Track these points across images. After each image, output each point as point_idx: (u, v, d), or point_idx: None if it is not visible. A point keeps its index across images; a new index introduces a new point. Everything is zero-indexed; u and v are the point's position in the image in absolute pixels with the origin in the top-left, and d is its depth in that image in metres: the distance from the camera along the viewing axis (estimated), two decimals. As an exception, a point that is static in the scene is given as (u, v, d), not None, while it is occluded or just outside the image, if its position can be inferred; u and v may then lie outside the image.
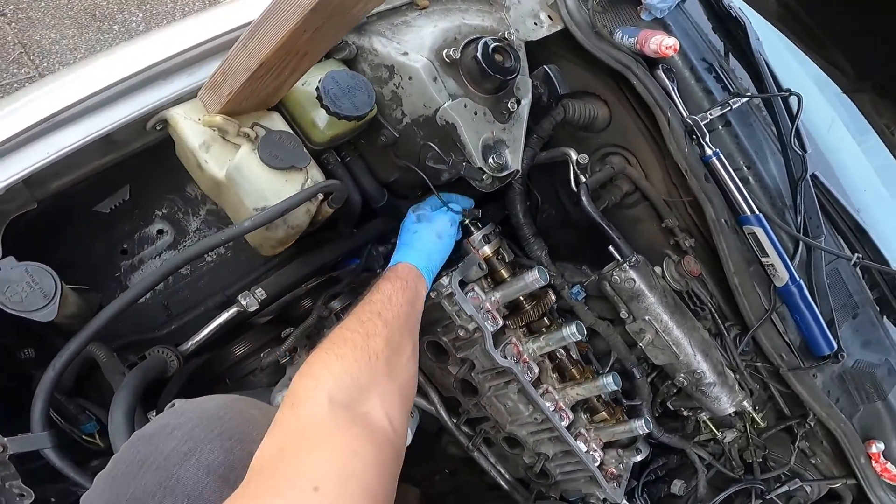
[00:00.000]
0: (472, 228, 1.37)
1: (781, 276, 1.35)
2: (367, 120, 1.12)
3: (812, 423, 1.61)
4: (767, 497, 1.72)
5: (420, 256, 1.17)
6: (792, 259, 1.36)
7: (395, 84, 1.12)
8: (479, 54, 1.11)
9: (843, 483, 1.73)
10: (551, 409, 1.39)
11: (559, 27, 1.29)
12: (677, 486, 1.77)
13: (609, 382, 1.37)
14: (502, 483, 1.56)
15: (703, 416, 1.59)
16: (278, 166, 1.01)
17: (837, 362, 1.46)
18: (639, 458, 1.55)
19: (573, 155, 1.37)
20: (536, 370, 1.39)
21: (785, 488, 1.72)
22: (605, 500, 1.52)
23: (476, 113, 1.16)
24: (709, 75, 1.32)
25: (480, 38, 1.13)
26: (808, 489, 1.80)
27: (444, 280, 1.26)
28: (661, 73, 1.29)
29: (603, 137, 1.48)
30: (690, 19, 1.35)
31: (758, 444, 1.69)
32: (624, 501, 1.51)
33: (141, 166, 1.14)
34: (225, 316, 1.25)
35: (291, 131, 1.05)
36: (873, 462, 1.62)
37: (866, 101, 1.44)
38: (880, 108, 1.42)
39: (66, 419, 1.09)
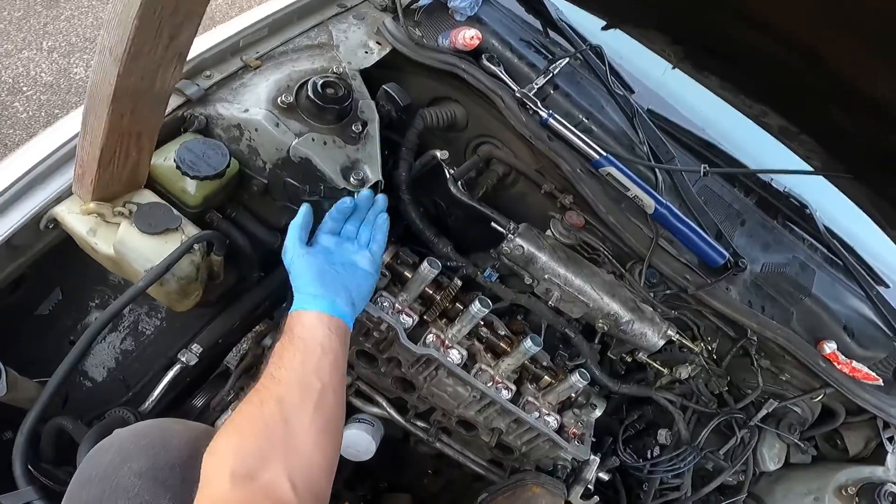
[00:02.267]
0: None
1: (649, 204, 1.46)
2: (231, 176, 1.30)
3: (754, 339, 1.68)
4: (751, 424, 1.75)
5: (302, 295, 1.11)
6: (655, 186, 1.47)
7: (247, 139, 1.30)
8: (310, 93, 1.29)
9: (824, 395, 1.75)
10: (489, 385, 1.50)
11: (388, 49, 1.47)
12: (663, 436, 1.82)
13: (529, 345, 1.45)
14: (475, 468, 1.65)
15: (642, 355, 1.67)
16: (154, 231, 1.18)
17: (741, 269, 1.54)
18: (596, 412, 1.62)
19: (438, 154, 1.52)
20: (463, 353, 1.49)
21: (764, 411, 1.75)
22: (573, 459, 1.59)
23: (325, 143, 1.33)
24: (528, 50, 1.48)
25: (309, 78, 1.31)
26: (799, 409, 1.83)
27: None
28: (485, 61, 1.45)
29: (469, 133, 1.63)
30: (502, 8, 1.52)
31: (718, 373, 1.74)
32: (592, 456, 1.56)
33: (63, 265, 1.33)
34: (171, 374, 1.40)
35: (161, 202, 1.22)
36: (835, 364, 1.64)
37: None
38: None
39: (54, 480, 1.25)
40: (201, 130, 1.30)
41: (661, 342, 1.57)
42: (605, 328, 1.55)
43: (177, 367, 1.41)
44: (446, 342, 1.50)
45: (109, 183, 1.14)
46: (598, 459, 1.58)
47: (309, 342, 1.03)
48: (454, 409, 1.54)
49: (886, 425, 1.85)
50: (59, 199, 1.18)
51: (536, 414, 1.53)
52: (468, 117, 1.60)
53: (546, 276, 1.50)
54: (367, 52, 1.48)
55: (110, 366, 1.49)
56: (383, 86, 1.46)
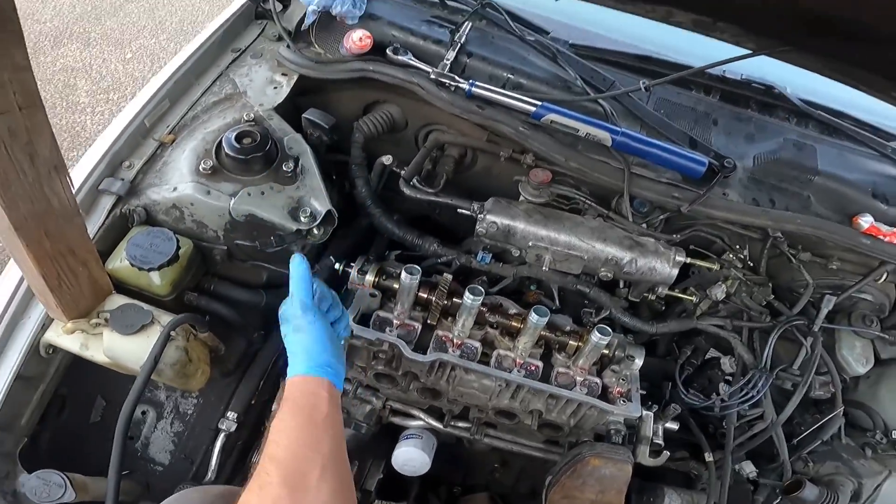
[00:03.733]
0: (348, 270, 1.50)
1: (605, 137, 1.35)
2: (189, 254, 1.34)
3: (778, 235, 1.51)
4: (813, 328, 1.55)
5: (299, 362, 1.07)
6: (606, 117, 1.36)
7: (188, 215, 1.33)
8: (227, 150, 1.31)
9: (887, 273, 1.56)
10: (513, 369, 1.44)
11: (295, 77, 1.46)
12: (726, 364, 1.67)
13: (535, 318, 1.38)
14: (533, 453, 1.60)
15: (662, 290, 1.54)
16: (133, 331, 1.24)
17: (730, 169, 1.39)
18: (636, 363, 1.51)
19: (383, 160, 1.49)
20: (476, 345, 1.46)
21: (825, 309, 1.55)
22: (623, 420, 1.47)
23: (263, 192, 1.34)
24: (431, 28, 1.41)
25: (220, 137, 1.33)
26: (870, 297, 1.64)
27: None
28: (391, 54, 1.41)
29: (412, 127, 1.59)
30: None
31: (759, 281, 1.58)
32: (645, 412, 1.46)
33: (93, 374, 1.42)
34: (219, 443, 1.48)
35: (130, 302, 1.29)
36: (881, 237, 1.46)
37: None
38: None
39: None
40: (145, 221, 1.34)
41: (675, 270, 1.45)
42: (610, 275, 1.45)
43: (222, 437, 1.48)
44: (455, 340, 1.48)
45: (75, 301, 1.21)
46: (651, 414, 1.48)
47: (313, 410, 1.00)
48: (487, 403, 1.50)
49: None
50: (45, 326, 1.26)
51: (573, 383, 1.47)
52: (405, 113, 1.55)
53: (530, 243, 1.44)
54: (275, 88, 1.47)
55: (170, 448, 1.59)
56: (303, 115, 1.45)
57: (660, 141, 1.35)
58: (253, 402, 1.56)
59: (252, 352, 1.56)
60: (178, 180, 1.31)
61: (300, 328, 1.08)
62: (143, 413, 1.62)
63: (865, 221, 1.42)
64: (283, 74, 1.49)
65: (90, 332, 1.26)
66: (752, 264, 1.58)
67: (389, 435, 1.63)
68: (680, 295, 1.54)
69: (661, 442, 1.50)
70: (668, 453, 1.48)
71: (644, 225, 1.44)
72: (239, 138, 1.32)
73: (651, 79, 1.41)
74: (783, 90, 1.59)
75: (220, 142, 1.32)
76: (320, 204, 1.36)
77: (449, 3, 1.52)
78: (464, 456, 1.76)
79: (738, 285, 1.55)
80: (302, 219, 1.34)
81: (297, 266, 1.11)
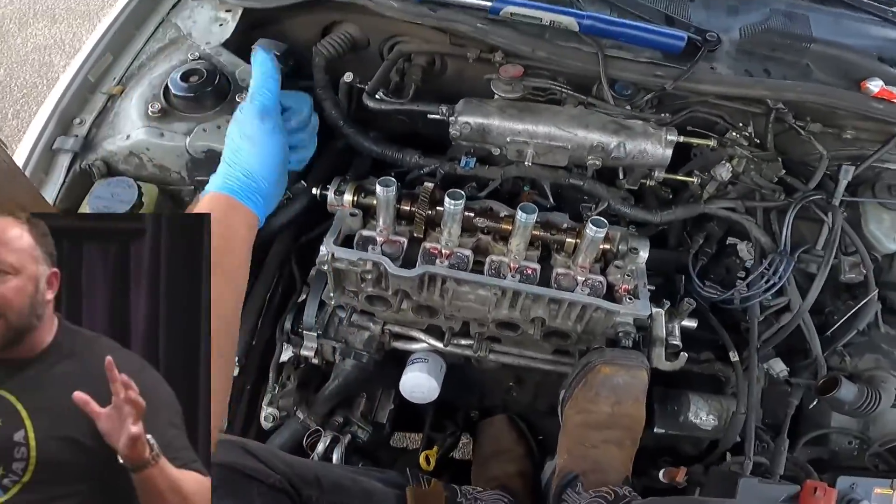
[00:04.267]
0: (324, 192, 1.43)
1: (571, 23, 1.24)
2: (156, 199, 1.32)
3: (780, 106, 1.38)
4: (833, 202, 1.41)
5: (231, 176, 1.00)
6: (573, 2, 1.25)
7: (147, 160, 1.31)
8: (174, 91, 1.27)
9: None
10: (508, 274, 1.36)
11: (240, 11, 1.40)
12: (743, 250, 1.55)
13: (521, 217, 1.29)
14: (542, 366, 1.53)
15: (659, 174, 1.42)
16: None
17: (714, 42, 1.27)
18: (641, 255, 1.40)
19: (344, 78, 1.42)
20: (466, 253, 1.38)
21: (844, 181, 1.39)
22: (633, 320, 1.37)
23: (219, 126, 1.30)
24: None
25: (167, 78, 1.29)
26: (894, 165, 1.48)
27: (322, 248, 1.34)
28: None
29: (375, 42, 1.50)
30: None
31: (768, 157, 1.43)
32: (655, 309, 1.37)
33: None
34: None
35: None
36: (894, 101, 1.32)
37: None
38: None
39: None
40: (107, 174, 1.33)
41: (668, 151, 1.33)
42: (598, 163, 1.35)
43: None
44: (443, 251, 1.40)
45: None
46: (662, 311, 1.39)
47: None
48: (487, 315, 1.43)
49: None
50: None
51: (574, 284, 1.36)
52: (364, 30, 1.47)
53: (508, 139, 1.35)
54: (221, 25, 1.43)
55: None
56: (252, 46, 1.38)
57: (630, 20, 1.23)
58: (254, 342, 1.55)
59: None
60: (130, 128, 1.29)
61: (250, 137, 1.01)
62: None
63: (875, 85, 1.30)
64: (227, 11, 1.45)
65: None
66: (758, 141, 1.44)
67: (396, 363, 1.59)
68: (680, 178, 1.43)
69: (678, 343, 1.41)
70: (687, 355, 1.39)
71: (629, 107, 1.33)
72: (185, 77, 1.28)
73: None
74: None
75: (167, 84, 1.29)
76: None
77: None
78: (476, 378, 1.71)
79: (745, 163, 1.42)
80: None
81: (262, 62, 1.05)
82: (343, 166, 1.53)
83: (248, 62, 1.36)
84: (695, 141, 1.36)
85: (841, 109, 1.31)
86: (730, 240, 1.60)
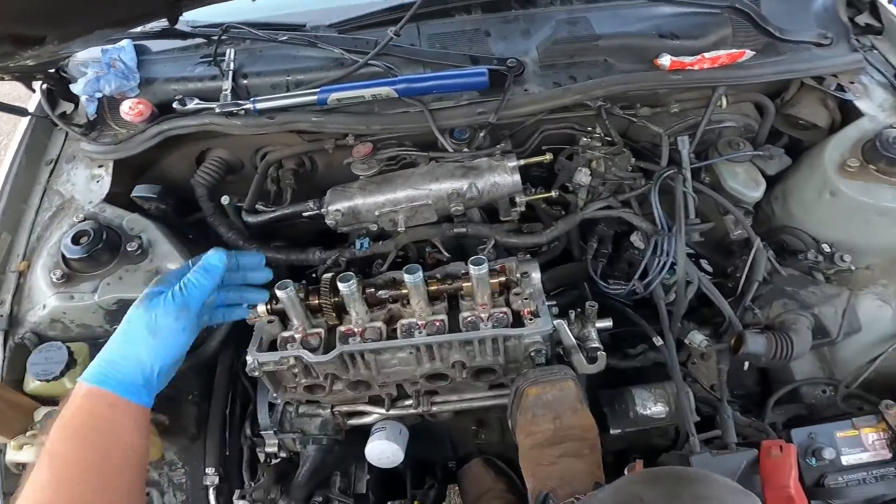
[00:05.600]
0: None
1: (388, 91, 1.38)
2: (85, 354, 1.44)
3: (599, 103, 1.49)
4: (682, 175, 1.50)
5: (101, 369, 0.98)
6: (386, 73, 1.39)
7: (68, 322, 1.43)
8: (69, 255, 1.40)
9: (720, 96, 1.53)
10: (419, 332, 1.44)
11: (111, 165, 1.54)
12: (636, 239, 1.62)
13: (409, 278, 1.38)
14: (487, 402, 1.59)
15: (520, 199, 1.52)
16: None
17: (516, 66, 1.42)
18: (533, 277, 1.47)
19: (222, 200, 1.57)
20: (378, 325, 1.47)
21: (685, 150, 1.49)
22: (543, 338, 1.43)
23: (120, 278, 1.42)
24: (201, 68, 1.55)
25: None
26: (731, 122, 1.60)
27: (248, 359, 1.44)
28: (178, 106, 1.51)
29: (247, 162, 1.68)
30: (161, 53, 1.59)
31: (616, 151, 1.53)
32: (556, 321, 1.43)
33: None
34: (212, 499, 1.59)
35: (52, 409, 1.40)
36: (688, 68, 1.43)
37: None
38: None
39: None
40: (38, 342, 1.44)
41: (515, 176, 1.45)
42: (461, 208, 1.46)
43: (212, 492, 1.59)
44: (356, 330, 1.50)
45: (9, 426, 1.35)
46: (563, 322, 1.45)
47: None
48: (414, 374, 1.51)
49: (821, 80, 1.56)
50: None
51: (481, 322, 1.44)
52: (233, 151, 1.63)
53: (377, 213, 1.47)
54: (98, 181, 1.56)
55: None
56: (130, 196, 1.53)
57: (440, 72, 1.37)
58: (227, 452, 1.65)
59: (205, 412, 1.66)
60: (43, 298, 1.42)
61: (156, 331, 0.99)
62: (148, 494, 1.72)
63: (664, 60, 1.40)
64: (99, 166, 1.59)
65: (35, 443, 1.37)
66: (609, 139, 1.54)
67: (361, 437, 1.67)
68: (539, 196, 1.53)
69: (597, 345, 1.47)
70: (605, 354, 1.45)
71: (466, 149, 1.45)
72: (76, 240, 1.42)
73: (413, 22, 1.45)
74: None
75: (60, 251, 1.43)
76: (176, 264, 1.44)
77: (200, 33, 1.59)
78: (442, 432, 1.78)
79: (603, 162, 1.52)
80: None
81: (212, 261, 1.10)
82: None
83: (133, 210, 1.52)
84: (533, 160, 1.47)
85: (646, 90, 1.41)
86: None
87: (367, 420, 1.65)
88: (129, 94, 1.51)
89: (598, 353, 1.45)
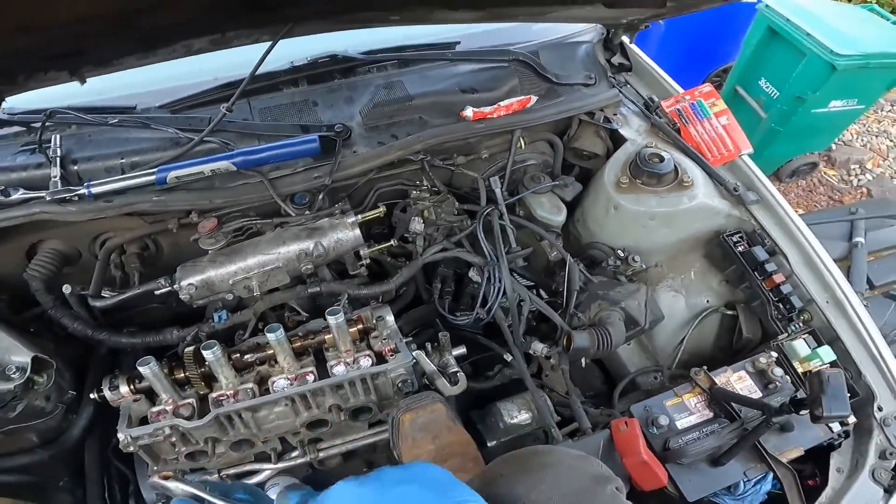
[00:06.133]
0: (101, 394, 1.48)
1: (226, 165, 1.47)
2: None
3: (420, 157, 1.68)
4: (499, 210, 1.70)
5: None
6: (223, 148, 1.46)
7: None
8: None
9: (517, 137, 1.79)
10: (288, 386, 1.49)
11: None
12: (473, 274, 1.76)
13: (272, 337, 1.43)
14: (369, 440, 1.66)
15: (365, 252, 1.67)
16: None
17: (343, 130, 1.60)
18: (388, 318, 1.61)
19: (65, 291, 1.53)
20: (249, 386, 1.51)
21: (499, 189, 1.71)
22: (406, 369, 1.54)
23: None
24: (26, 157, 1.52)
25: None
26: (533, 161, 1.86)
27: (120, 436, 1.41)
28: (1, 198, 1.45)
29: (84, 251, 1.64)
30: None
31: (442, 198, 1.75)
32: (414, 353, 1.55)
33: None
34: None
35: None
36: (490, 116, 1.67)
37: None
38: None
39: None
40: None
41: (356, 231, 1.59)
42: (311, 267, 1.57)
43: None
44: (228, 393, 1.50)
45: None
46: (421, 352, 1.59)
47: None
48: (295, 425, 1.56)
49: (592, 114, 1.89)
50: None
51: (347, 367, 1.52)
52: (68, 241, 1.60)
53: (231, 282, 1.53)
54: None
55: None
56: None
57: (275, 143, 1.48)
58: None
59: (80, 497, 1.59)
60: None
61: None
62: None
63: (468, 111, 1.64)
64: None
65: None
66: (435, 189, 1.75)
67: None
68: (380, 247, 1.69)
69: (456, 369, 1.63)
70: (464, 376, 1.61)
71: (308, 212, 1.57)
72: None
73: (229, 98, 1.53)
74: (346, 52, 1.80)
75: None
76: (21, 356, 1.40)
77: (20, 120, 1.57)
78: (334, 479, 1.80)
79: (433, 210, 1.73)
80: (12, 376, 1.37)
81: None
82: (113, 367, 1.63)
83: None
84: (370, 214, 1.63)
85: (459, 139, 1.63)
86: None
87: (258, 479, 1.65)
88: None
89: (458, 374, 1.61)
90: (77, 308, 1.58)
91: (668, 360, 1.86)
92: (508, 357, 1.75)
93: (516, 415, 1.73)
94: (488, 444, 1.68)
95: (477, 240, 1.72)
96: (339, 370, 1.53)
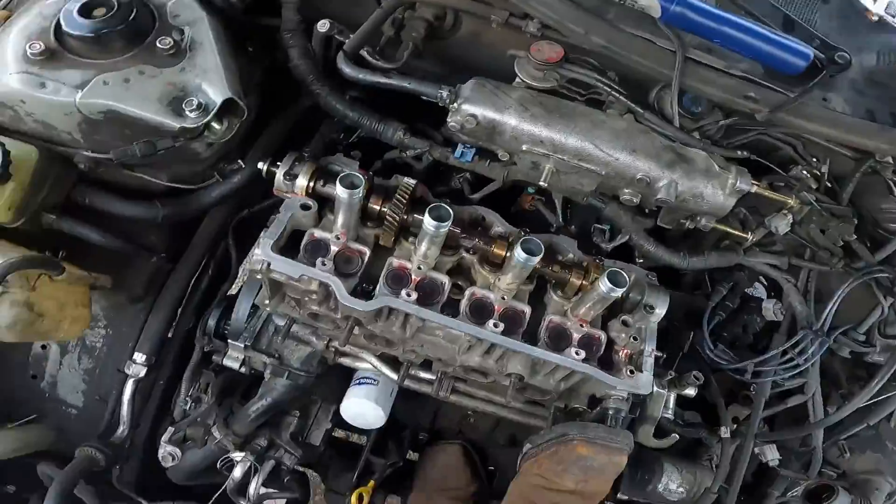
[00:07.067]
0: (273, 169, 1.10)
1: (652, 6, 0.88)
2: (37, 164, 0.97)
3: (888, 160, 1.11)
4: None
5: None
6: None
7: (24, 114, 0.95)
8: (68, 29, 0.91)
9: None
10: (490, 321, 1.06)
11: None
12: (770, 310, 1.30)
13: (522, 257, 1.00)
14: (514, 416, 1.29)
15: (706, 222, 1.13)
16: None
17: (842, 66, 0.95)
18: (657, 313, 1.14)
19: (318, 27, 1.06)
20: (444, 280, 1.09)
21: None
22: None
23: (127, 80, 0.95)
24: None
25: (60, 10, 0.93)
26: None
27: (257, 251, 1.04)
28: None
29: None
30: None
31: (840, 212, 1.16)
32: (657, 390, 1.15)
33: None
34: (128, 393, 1.27)
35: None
36: None
37: None
38: None
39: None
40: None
41: (731, 200, 1.06)
42: (636, 200, 1.06)
43: (131, 384, 1.28)
44: (413, 275, 1.08)
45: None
46: (664, 392, 1.17)
47: None
48: (455, 356, 1.16)
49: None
50: None
51: (567, 335, 1.09)
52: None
53: (524, 147, 1.04)
54: None
55: (81, 388, 1.37)
56: None
57: (738, 17, 0.88)
58: (170, 334, 1.31)
59: (165, 272, 1.28)
60: (2, 72, 0.94)
61: None
62: (44, 347, 1.36)
63: None
64: None
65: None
66: (830, 185, 1.18)
67: (341, 375, 1.33)
68: (734, 231, 1.16)
69: (670, 416, 1.23)
70: (677, 437, 1.23)
71: (697, 133, 1.04)
72: (87, 10, 0.93)
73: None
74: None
75: (59, 18, 0.94)
76: (214, 91, 0.97)
77: None
78: (429, 406, 1.49)
79: (807, 213, 1.16)
80: (188, 112, 0.96)
81: None
82: (300, 137, 1.21)
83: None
84: (768, 195, 1.06)
85: None
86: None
87: (359, 364, 1.29)
88: None
89: (672, 435, 1.24)
90: (317, 45, 1.14)
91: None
92: (724, 432, 1.30)
93: (673, 486, 1.35)
94: (618, 495, 1.34)
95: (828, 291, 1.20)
96: (554, 333, 1.09)
